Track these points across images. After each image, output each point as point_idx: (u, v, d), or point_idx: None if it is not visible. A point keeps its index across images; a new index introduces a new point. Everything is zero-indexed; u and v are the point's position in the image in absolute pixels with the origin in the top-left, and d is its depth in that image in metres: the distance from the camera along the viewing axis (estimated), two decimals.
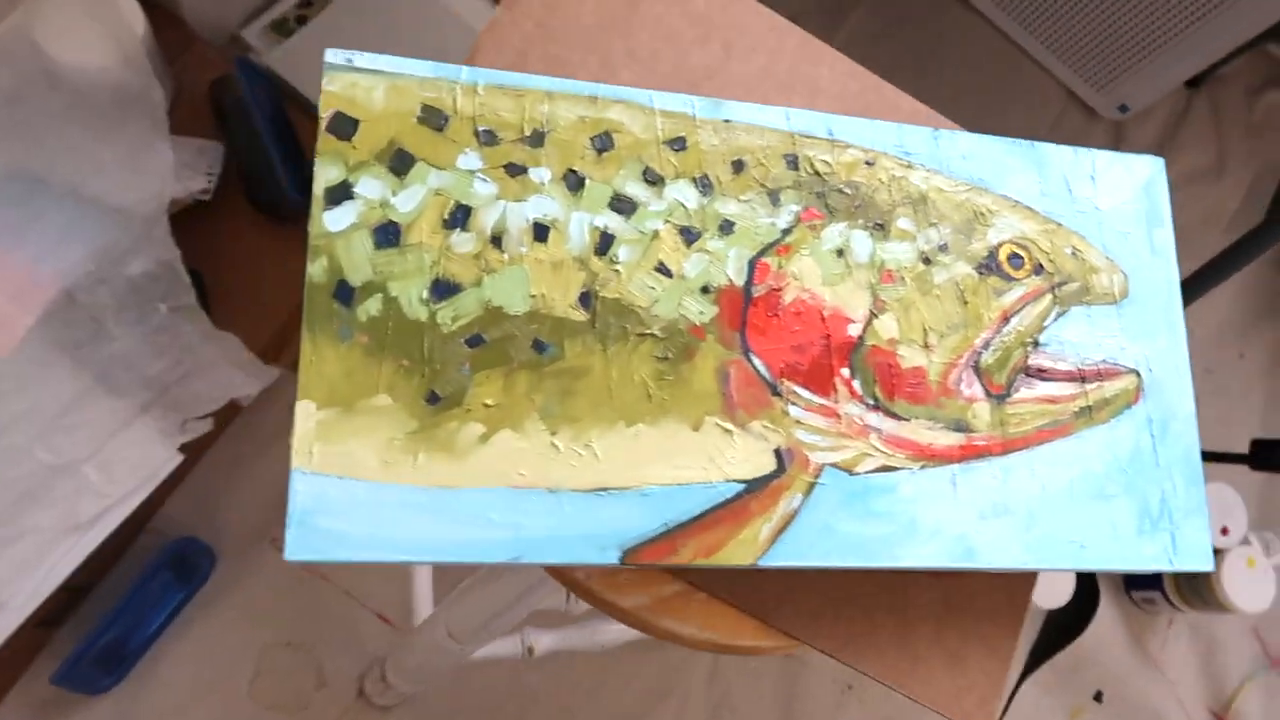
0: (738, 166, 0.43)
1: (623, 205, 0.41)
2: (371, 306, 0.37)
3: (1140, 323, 0.47)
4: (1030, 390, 0.44)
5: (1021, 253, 0.46)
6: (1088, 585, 1.23)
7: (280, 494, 0.96)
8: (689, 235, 0.41)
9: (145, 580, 0.90)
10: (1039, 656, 1.23)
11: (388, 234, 0.38)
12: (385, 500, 0.36)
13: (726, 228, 0.42)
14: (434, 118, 0.40)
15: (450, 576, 0.93)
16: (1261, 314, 1.51)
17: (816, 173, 0.44)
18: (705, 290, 0.41)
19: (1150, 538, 0.44)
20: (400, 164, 0.39)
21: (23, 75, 0.78)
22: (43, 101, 0.79)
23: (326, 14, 1.02)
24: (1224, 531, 1.17)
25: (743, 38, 0.50)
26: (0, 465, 0.73)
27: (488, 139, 0.40)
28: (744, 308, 0.41)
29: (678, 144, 0.42)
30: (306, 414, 0.36)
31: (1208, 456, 1.01)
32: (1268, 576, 1.17)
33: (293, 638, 0.98)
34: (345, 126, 0.39)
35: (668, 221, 0.41)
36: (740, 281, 0.42)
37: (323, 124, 0.38)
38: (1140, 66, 1.37)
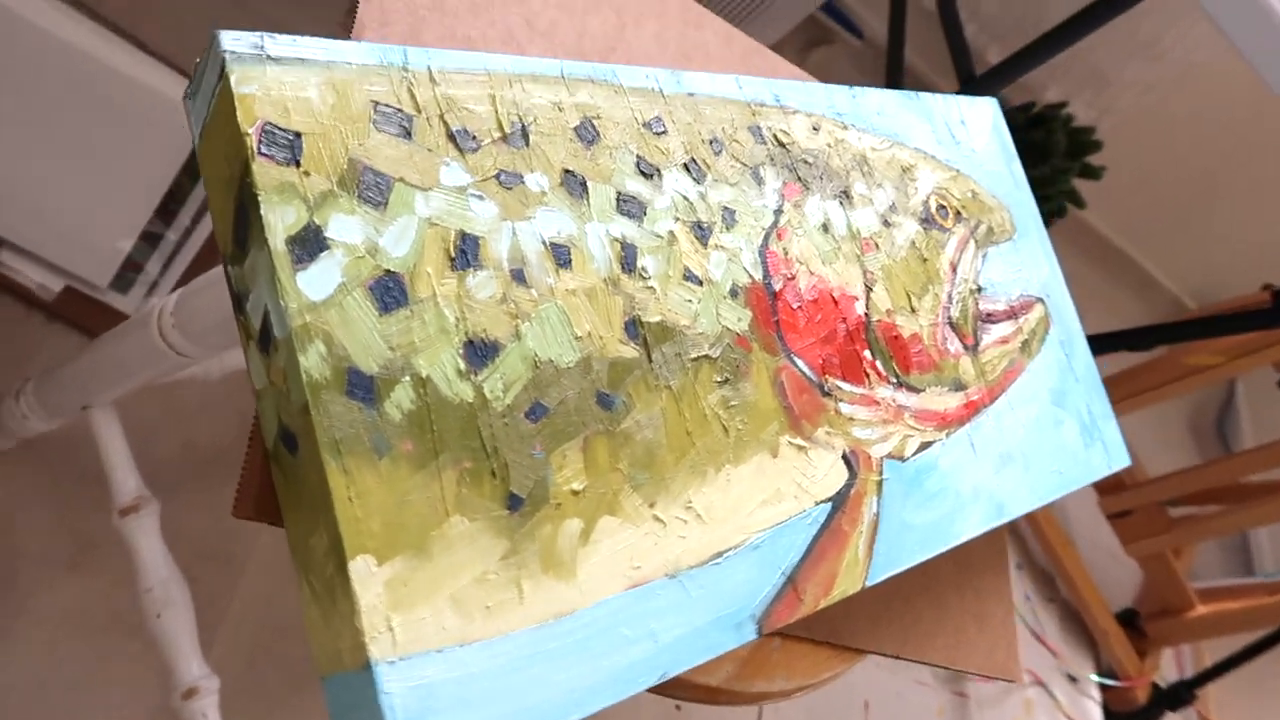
0: (715, 146, 0.37)
1: (630, 207, 0.33)
2: (402, 398, 0.26)
3: (1030, 253, 0.50)
4: (989, 336, 0.45)
5: (944, 202, 0.46)
6: None
7: None
8: (701, 232, 0.35)
9: None
10: None
11: (390, 291, 0.27)
12: (504, 661, 0.25)
13: (729, 217, 0.36)
14: (394, 120, 0.28)
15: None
16: None
17: (781, 144, 0.40)
18: (734, 293, 0.35)
19: (1091, 449, 0.48)
20: (374, 189, 0.27)
21: None
22: None
23: None
24: None
25: (630, 3, 0.43)
26: None
27: (466, 142, 0.30)
28: (771, 305, 0.36)
29: (657, 126, 0.35)
30: (366, 576, 0.24)
31: None
32: None
33: None
34: (284, 144, 0.26)
35: (678, 219, 0.34)
36: (759, 276, 0.36)
37: (251, 144, 0.25)
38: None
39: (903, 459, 0.38)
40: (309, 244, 0.25)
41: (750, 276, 0.36)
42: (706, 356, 0.33)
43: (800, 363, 0.36)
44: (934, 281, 0.43)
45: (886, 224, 0.42)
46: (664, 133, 0.35)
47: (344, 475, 0.24)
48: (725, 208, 0.36)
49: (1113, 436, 0.49)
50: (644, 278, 0.32)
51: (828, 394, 0.36)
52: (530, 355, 0.29)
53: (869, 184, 0.42)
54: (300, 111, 0.26)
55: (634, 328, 0.32)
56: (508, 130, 0.31)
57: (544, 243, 0.30)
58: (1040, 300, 0.49)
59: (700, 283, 0.34)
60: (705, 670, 0.36)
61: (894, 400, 0.39)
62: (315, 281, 0.25)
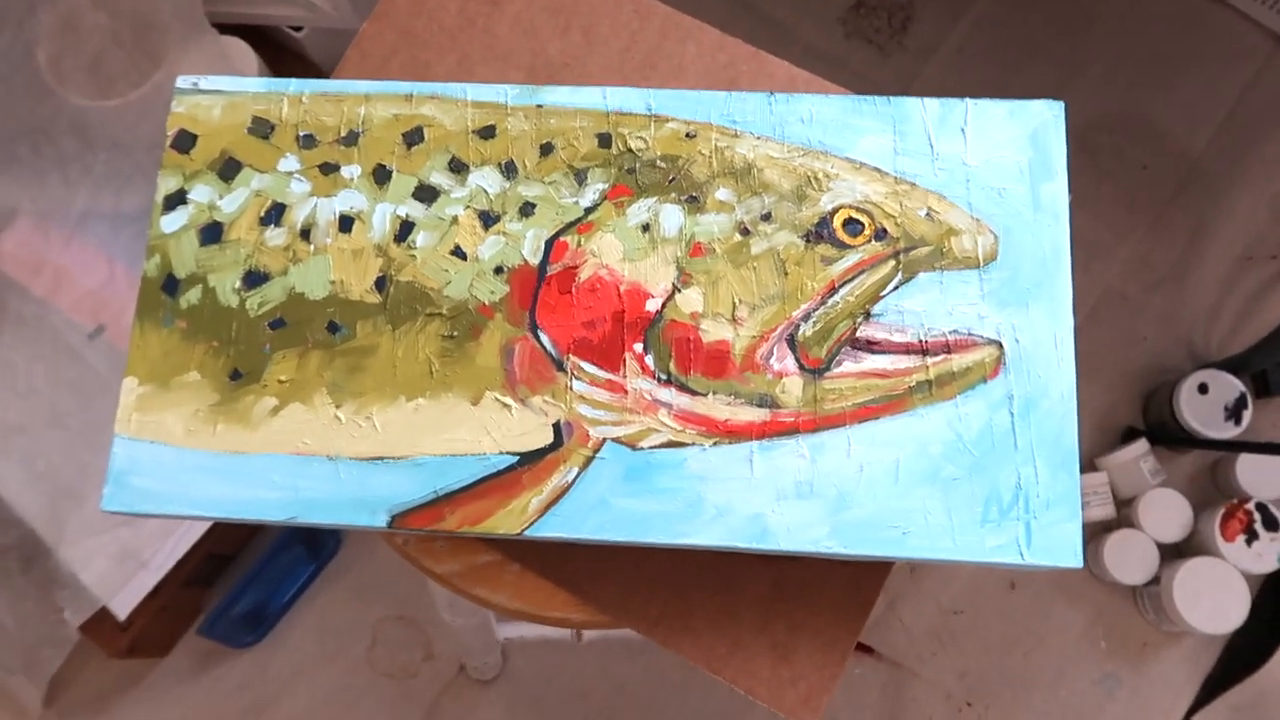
0: (546, 149, 0.44)
1: (425, 194, 0.44)
2: (192, 296, 0.43)
3: (1010, 288, 0.42)
4: (855, 364, 0.41)
5: (861, 218, 0.43)
6: (1271, 605, 1.05)
7: None
8: (487, 219, 0.43)
9: (278, 552, 1.04)
10: (1212, 689, 1.06)
11: (211, 232, 0.43)
12: (187, 464, 0.41)
13: (528, 210, 0.43)
14: (261, 127, 0.45)
15: None
16: None
17: (629, 149, 0.44)
18: (499, 271, 0.43)
19: (997, 527, 0.40)
20: (229, 170, 0.44)
21: (162, 126, 0.94)
22: None
23: None
24: None
25: (604, 23, 0.50)
26: None
27: (307, 143, 0.44)
28: (536, 286, 0.42)
29: (487, 132, 0.44)
30: (129, 389, 0.42)
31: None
32: None
33: (404, 613, 1.08)
34: (185, 142, 0.45)
35: (468, 207, 0.43)
36: (535, 261, 0.43)
37: (168, 141, 0.45)
38: None
39: (634, 447, 0.41)
40: (174, 200, 0.44)
41: (525, 260, 0.43)
42: (440, 314, 0.42)
43: (544, 337, 0.42)
44: (789, 297, 0.42)
45: (745, 232, 0.43)
46: (491, 138, 0.44)
47: (139, 330, 0.42)
48: (527, 201, 0.43)
49: (1054, 527, 0.39)
50: (411, 248, 0.43)
51: (563, 369, 0.41)
52: (290, 287, 0.43)
53: (738, 191, 0.43)
54: (203, 122, 0.45)
55: (384, 283, 0.43)
56: (343, 134, 0.44)
57: (335, 213, 0.43)
58: (993, 344, 0.41)
59: (465, 258, 0.43)
60: (436, 558, 0.45)
61: (651, 394, 0.41)
62: (170, 222, 0.44)
